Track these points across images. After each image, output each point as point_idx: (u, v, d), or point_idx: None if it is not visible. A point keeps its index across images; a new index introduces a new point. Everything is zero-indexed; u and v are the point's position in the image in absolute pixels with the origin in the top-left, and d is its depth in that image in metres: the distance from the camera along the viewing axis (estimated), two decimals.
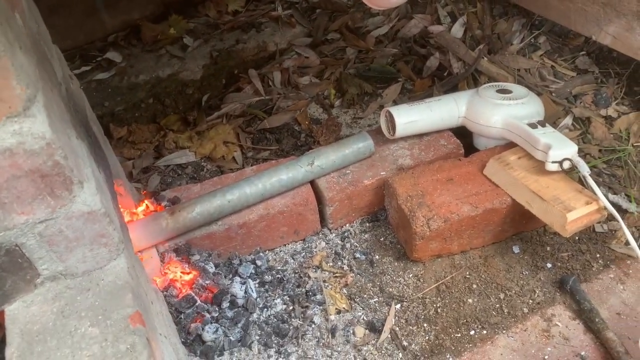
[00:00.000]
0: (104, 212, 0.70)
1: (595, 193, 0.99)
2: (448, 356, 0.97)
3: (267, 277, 1.13)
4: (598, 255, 1.09)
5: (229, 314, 1.05)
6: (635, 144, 1.20)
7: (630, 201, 1.12)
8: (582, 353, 0.95)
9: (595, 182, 1.01)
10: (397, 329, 1.02)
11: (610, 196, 1.13)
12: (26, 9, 0.75)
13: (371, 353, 0.99)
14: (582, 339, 0.97)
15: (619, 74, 1.29)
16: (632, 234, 1.06)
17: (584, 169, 1.01)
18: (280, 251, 1.20)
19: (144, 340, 0.67)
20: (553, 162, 1.03)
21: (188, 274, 1.08)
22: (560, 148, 1.03)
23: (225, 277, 1.11)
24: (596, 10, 1.19)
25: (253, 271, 1.14)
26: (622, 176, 1.17)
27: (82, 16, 1.64)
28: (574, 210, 0.98)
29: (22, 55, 0.59)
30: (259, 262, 1.15)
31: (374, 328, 1.03)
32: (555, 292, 1.05)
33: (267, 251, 1.19)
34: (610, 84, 1.28)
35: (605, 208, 0.99)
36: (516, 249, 1.13)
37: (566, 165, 1.03)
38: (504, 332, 1.00)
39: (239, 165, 1.41)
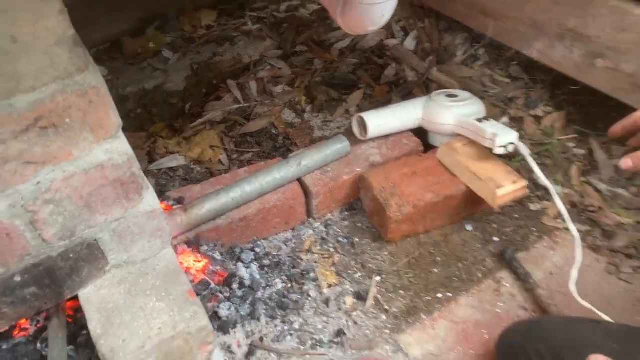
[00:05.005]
0: (161, 211, 0.88)
1: (534, 169, 1.24)
2: (422, 315, 1.20)
3: (266, 262, 1.32)
4: (534, 229, 1.36)
5: (239, 293, 1.24)
6: (558, 138, 1.48)
7: (557, 184, 1.40)
8: (525, 305, 1.21)
9: (528, 169, 1.27)
10: (379, 296, 1.24)
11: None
12: None
13: (360, 317, 1.21)
14: (525, 295, 1.23)
15: (544, 81, 1.57)
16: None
17: (525, 151, 1.26)
18: (274, 239, 1.39)
19: (202, 309, 0.86)
20: (500, 146, 1.27)
21: (200, 262, 1.26)
22: (505, 135, 1.27)
23: (230, 263, 1.30)
24: (525, 30, 1.46)
25: (253, 257, 1.33)
26: (550, 164, 1.45)
27: None
28: (503, 187, 1.23)
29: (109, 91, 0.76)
30: (257, 250, 1.34)
31: (361, 297, 1.25)
32: (502, 260, 1.30)
33: (262, 240, 1.38)
34: (537, 89, 1.56)
35: (527, 186, 1.26)
36: (469, 227, 1.38)
37: (510, 148, 1.26)
38: (464, 293, 1.24)
39: (225, 167, 1.59)
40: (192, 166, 1.60)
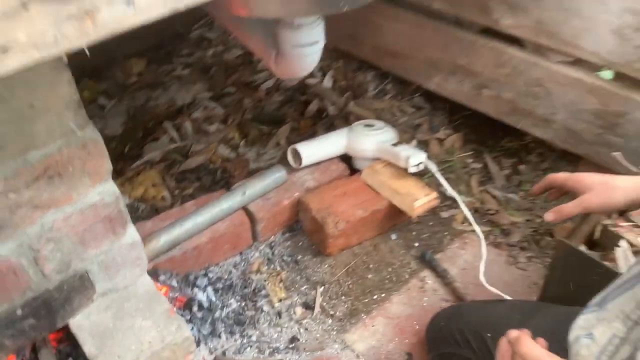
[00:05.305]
0: (140, 241, 1.01)
1: (441, 182, 1.53)
2: (363, 315, 1.40)
3: (219, 285, 1.46)
4: (446, 233, 1.60)
5: (199, 315, 1.36)
6: (459, 156, 1.76)
7: (461, 194, 1.66)
8: (446, 297, 1.44)
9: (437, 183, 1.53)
10: (325, 304, 1.42)
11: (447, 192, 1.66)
12: None
13: (309, 323, 1.38)
14: (445, 289, 1.46)
15: (443, 109, 1.86)
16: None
17: (433, 168, 1.53)
18: (224, 264, 1.53)
19: (184, 323, 0.99)
20: (413, 166, 1.52)
21: (160, 290, 1.37)
22: (416, 156, 1.52)
23: (187, 289, 1.42)
24: (424, 67, 1.74)
25: (207, 282, 1.46)
26: (453, 178, 1.71)
27: None
28: (419, 200, 1.48)
29: None
30: (210, 275, 1.47)
31: (308, 306, 1.42)
32: (423, 262, 1.53)
33: (214, 266, 1.52)
34: (438, 116, 1.84)
35: (437, 197, 1.52)
36: (394, 236, 1.60)
37: (421, 167, 1.53)
38: (395, 292, 1.45)
39: (168, 203, 1.71)
40: (136, 205, 1.70)
